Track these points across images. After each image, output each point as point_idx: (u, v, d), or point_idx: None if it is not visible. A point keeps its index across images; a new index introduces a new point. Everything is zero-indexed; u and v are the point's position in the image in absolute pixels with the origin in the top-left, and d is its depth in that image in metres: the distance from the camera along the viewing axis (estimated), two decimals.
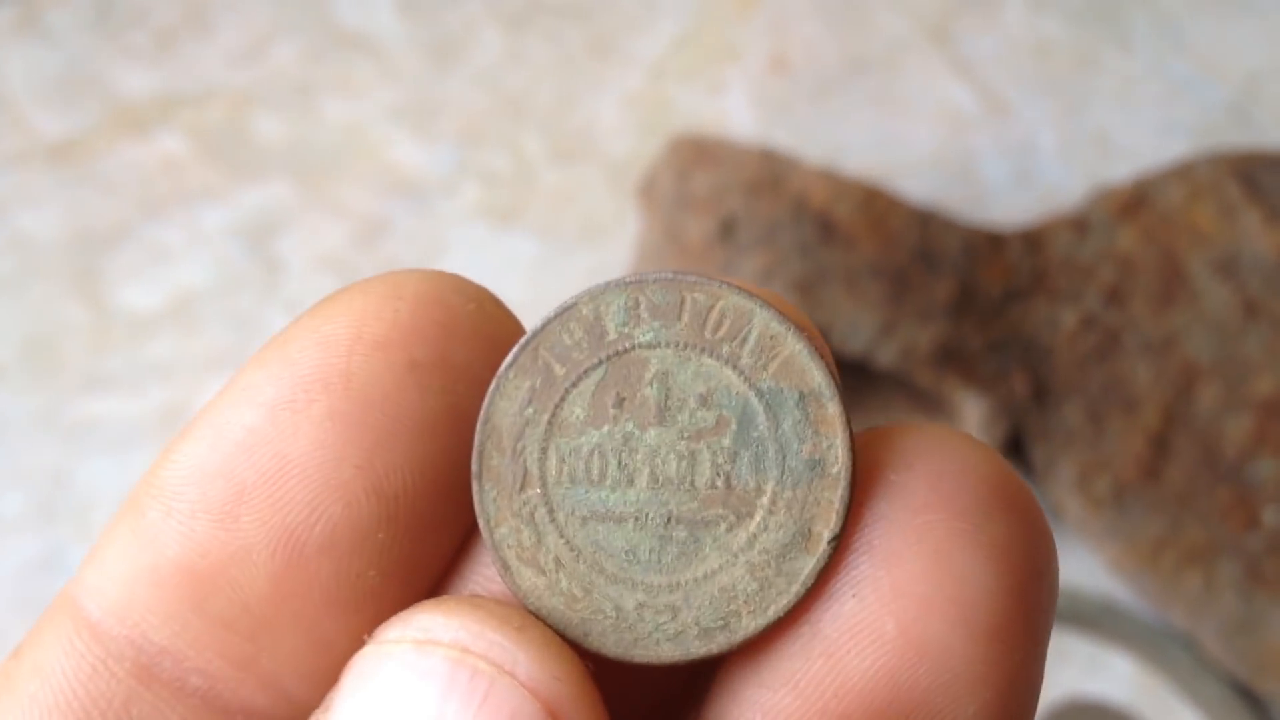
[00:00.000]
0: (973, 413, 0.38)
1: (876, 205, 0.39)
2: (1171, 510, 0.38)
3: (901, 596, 0.13)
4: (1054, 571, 0.14)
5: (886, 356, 0.38)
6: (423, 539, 0.14)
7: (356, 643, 0.14)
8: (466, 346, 0.14)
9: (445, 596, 0.14)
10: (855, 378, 0.41)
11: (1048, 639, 0.14)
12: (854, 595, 0.13)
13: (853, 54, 0.51)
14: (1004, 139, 0.49)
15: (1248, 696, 0.38)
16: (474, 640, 0.12)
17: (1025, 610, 0.13)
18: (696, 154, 0.40)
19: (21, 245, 0.46)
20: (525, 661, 0.12)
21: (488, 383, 0.14)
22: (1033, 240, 0.41)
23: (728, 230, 0.39)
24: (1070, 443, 0.39)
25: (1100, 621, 0.39)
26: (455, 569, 0.15)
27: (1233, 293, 0.40)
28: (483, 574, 0.15)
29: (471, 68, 0.51)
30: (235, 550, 0.14)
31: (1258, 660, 0.37)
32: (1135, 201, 0.42)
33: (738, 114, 0.50)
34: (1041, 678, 0.14)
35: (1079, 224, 0.41)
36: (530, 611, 0.14)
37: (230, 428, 0.14)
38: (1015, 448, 0.39)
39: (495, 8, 0.52)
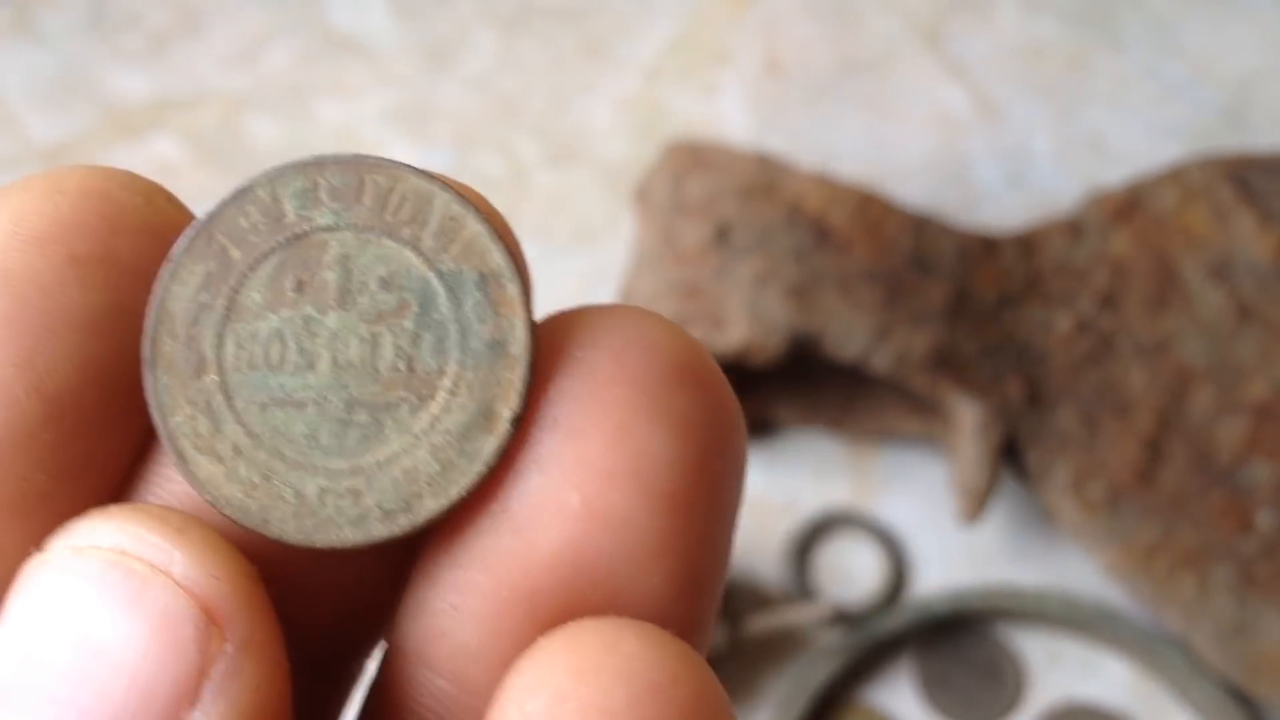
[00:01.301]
0: (967, 417, 0.38)
1: (871, 210, 0.39)
2: (1165, 514, 0.38)
3: (584, 470, 0.13)
4: (738, 445, 0.14)
5: (881, 361, 0.38)
6: (94, 439, 0.14)
7: (30, 551, 0.14)
8: (133, 241, 0.14)
9: (111, 505, 0.13)
10: (850, 382, 0.41)
11: (734, 512, 0.14)
12: (539, 471, 0.13)
13: (846, 57, 0.51)
14: (997, 142, 0.49)
15: (1242, 699, 0.38)
16: (131, 543, 0.12)
17: (706, 481, 0.13)
18: (691, 159, 0.40)
19: None
20: (182, 561, 0.12)
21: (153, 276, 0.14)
22: (1026, 244, 0.41)
23: (723, 235, 0.39)
24: (1064, 447, 0.39)
25: (1095, 625, 0.39)
26: (138, 472, 0.14)
27: (1226, 296, 0.40)
28: (164, 474, 0.14)
29: (465, 71, 0.51)
30: None
31: (1252, 663, 0.37)
32: (1128, 205, 0.42)
33: (731, 117, 0.50)
34: (728, 551, 0.14)
35: (1072, 228, 0.41)
36: (210, 503, 0.13)
37: None
38: (1010, 452, 0.39)
39: (489, 11, 0.52)
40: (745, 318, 0.37)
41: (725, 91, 0.50)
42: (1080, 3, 0.52)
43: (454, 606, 0.14)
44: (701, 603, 0.14)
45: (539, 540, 0.13)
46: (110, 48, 0.51)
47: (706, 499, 0.13)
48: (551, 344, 0.14)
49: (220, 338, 0.13)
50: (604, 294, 0.44)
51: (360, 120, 0.49)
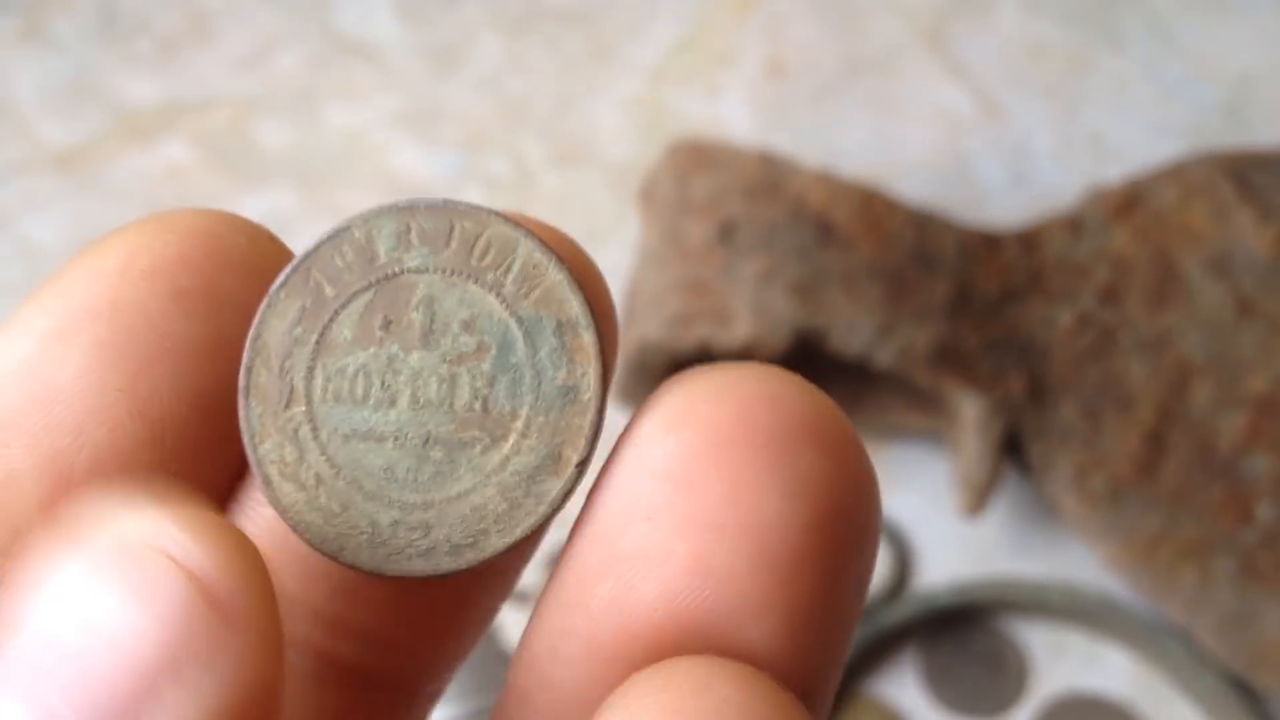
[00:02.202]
0: (970, 411, 0.39)
1: (874, 208, 0.40)
2: (1167, 506, 0.39)
3: (693, 523, 0.13)
4: (864, 509, 0.14)
5: (885, 356, 0.38)
6: (192, 463, 0.14)
7: None
8: (236, 276, 0.14)
9: (112, 478, 0.14)
10: (854, 378, 0.41)
11: (859, 574, 0.14)
12: (647, 519, 0.13)
13: (849, 58, 0.52)
14: (999, 141, 0.49)
15: (1243, 689, 0.38)
16: (129, 515, 0.12)
17: (823, 544, 0.13)
18: (696, 158, 0.41)
19: (28, 253, 0.47)
20: (176, 532, 0.12)
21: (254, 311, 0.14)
22: (1028, 241, 0.42)
23: (727, 233, 0.39)
24: (1067, 440, 0.39)
25: (1097, 617, 0.39)
26: (232, 496, 0.15)
27: (1226, 291, 0.41)
28: (254, 498, 0.15)
29: (472, 74, 0.51)
30: (3, 476, 0.14)
31: (1253, 653, 0.38)
32: (1129, 202, 0.42)
33: (735, 117, 0.50)
34: (853, 612, 0.14)
35: (1074, 224, 0.42)
36: (291, 528, 0.14)
37: (3, 358, 0.14)
38: (1013, 446, 0.39)
39: (495, 14, 0.52)
40: (750, 314, 0.38)
41: (729, 92, 0.51)
42: (1080, 4, 0.53)
43: (554, 650, 0.14)
44: (814, 661, 0.14)
45: (640, 587, 0.13)
46: (120, 52, 0.51)
47: (822, 561, 0.13)
48: (678, 397, 0.14)
49: (311, 370, 0.14)
50: (611, 293, 0.44)
51: (369, 123, 0.50)
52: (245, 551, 0.12)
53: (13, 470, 0.14)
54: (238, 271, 0.14)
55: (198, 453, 0.14)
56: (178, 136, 0.49)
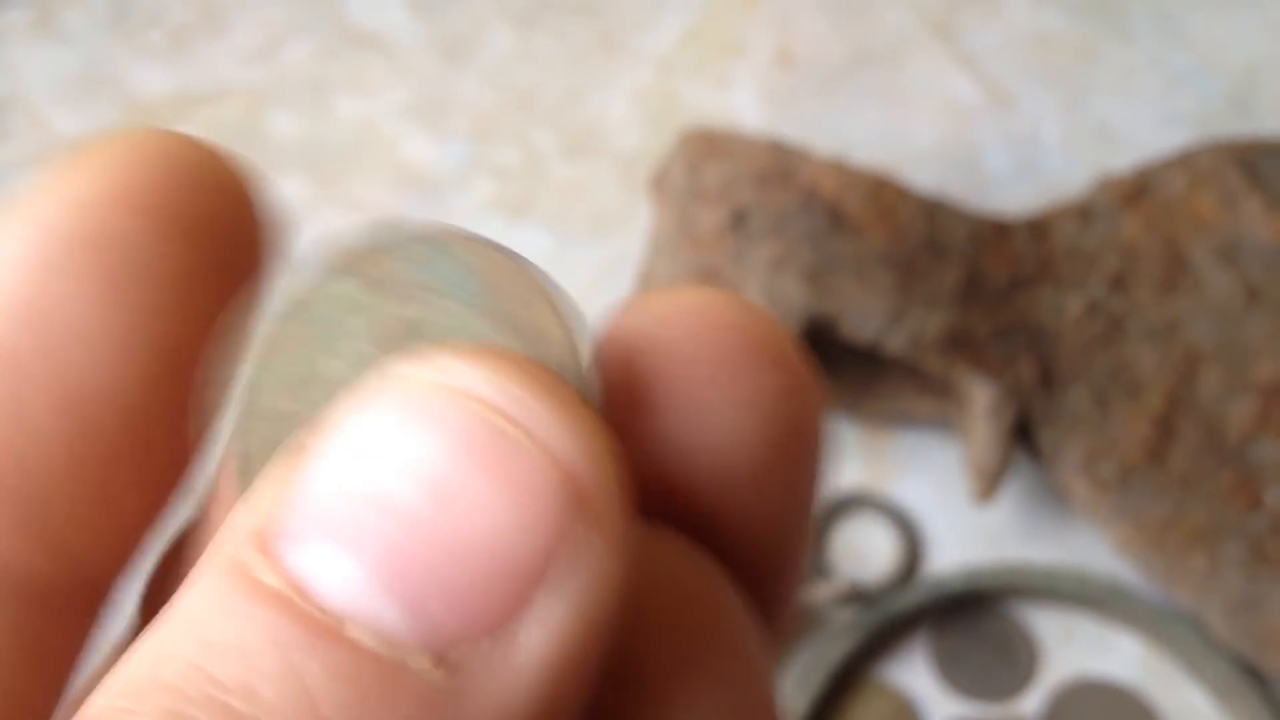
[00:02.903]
0: (981, 398, 0.39)
1: (885, 195, 0.40)
2: (1176, 492, 0.39)
3: (654, 441, 0.13)
4: (815, 425, 0.14)
5: (896, 343, 0.38)
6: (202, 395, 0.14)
7: (146, 502, 0.14)
8: (210, 200, 0.14)
9: (473, 345, 0.13)
10: (865, 365, 0.41)
11: (809, 492, 0.14)
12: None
13: (857, 48, 0.52)
14: (1007, 130, 0.50)
15: (1252, 674, 0.39)
16: (497, 394, 0.11)
17: (782, 461, 0.14)
18: (707, 146, 0.41)
19: None
20: (551, 425, 0.11)
21: (237, 234, 0.14)
22: (1038, 229, 0.42)
23: (739, 221, 0.39)
24: (1076, 426, 0.39)
25: (1107, 602, 0.40)
26: None
27: (1234, 279, 0.41)
28: None
29: (482, 64, 0.51)
30: (21, 425, 0.13)
31: (1262, 638, 0.38)
32: (1137, 190, 0.42)
33: (745, 108, 0.50)
34: (807, 523, 0.14)
35: (1083, 212, 0.42)
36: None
37: None
38: (1023, 432, 0.40)
39: (505, 5, 0.53)
40: (762, 301, 0.38)
41: (738, 83, 0.51)
42: None
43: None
44: (777, 569, 0.14)
45: None
46: (132, 44, 0.52)
47: (781, 478, 0.14)
48: (631, 324, 0.14)
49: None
50: (621, 282, 0.45)
51: (379, 114, 0.50)
52: (605, 440, 0.11)
53: (21, 408, 0.13)
54: (211, 195, 0.14)
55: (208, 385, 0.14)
56: (189, 127, 0.49)
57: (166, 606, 0.12)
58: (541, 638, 0.11)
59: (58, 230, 0.13)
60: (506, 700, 0.11)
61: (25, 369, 0.13)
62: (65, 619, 0.14)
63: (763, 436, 0.13)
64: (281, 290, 0.14)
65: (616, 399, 0.13)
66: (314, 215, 0.47)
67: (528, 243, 0.47)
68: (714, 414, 0.13)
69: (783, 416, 0.13)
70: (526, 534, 0.11)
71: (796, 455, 0.14)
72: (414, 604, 0.11)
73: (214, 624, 0.11)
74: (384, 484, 0.11)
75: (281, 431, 0.13)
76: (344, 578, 0.11)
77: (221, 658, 0.11)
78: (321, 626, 0.11)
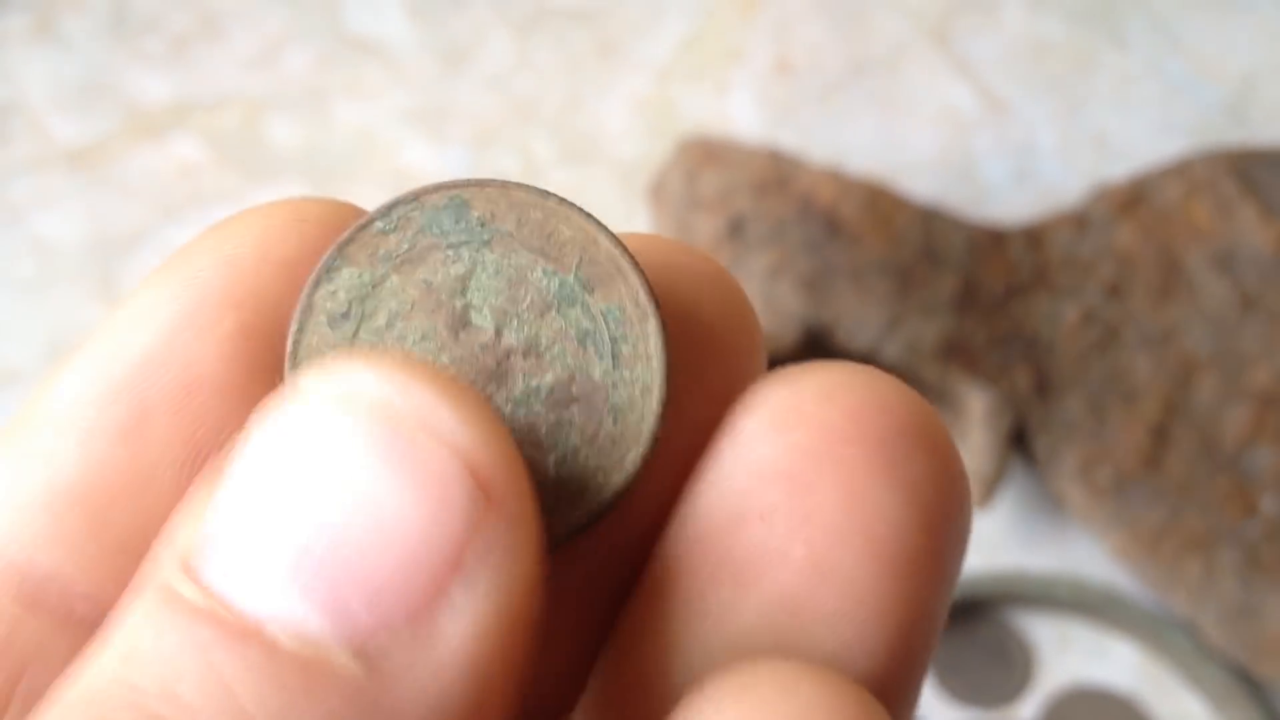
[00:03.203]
0: (977, 405, 0.39)
1: (881, 204, 0.40)
2: (1172, 499, 0.39)
3: (812, 524, 0.13)
4: (965, 512, 0.14)
5: (892, 351, 0.39)
6: None
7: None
8: None
9: (369, 349, 0.13)
10: None
11: (955, 578, 0.14)
12: (763, 520, 0.13)
13: (855, 56, 0.52)
14: (1004, 138, 0.50)
15: (1248, 681, 0.39)
16: (400, 396, 0.11)
17: (935, 547, 0.13)
18: (705, 155, 0.41)
19: (41, 249, 0.47)
20: (451, 421, 0.11)
21: None
22: (1034, 237, 0.42)
23: (736, 229, 0.40)
24: (1072, 434, 0.39)
25: (1103, 609, 0.40)
26: None
27: (1230, 287, 0.41)
28: None
29: (481, 71, 0.51)
30: (139, 471, 0.13)
31: (1256, 645, 0.38)
32: (1134, 199, 0.43)
33: (743, 116, 0.50)
34: (945, 617, 0.14)
35: (1079, 221, 0.42)
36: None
37: (129, 347, 0.14)
38: (1019, 439, 0.40)
39: (504, 13, 0.53)
40: (760, 309, 0.38)
41: (736, 90, 0.51)
42: (1085, 3, 0.53)
43: (662, 657, 0.13)
44: (914, 669, 0.14)
45: (758, 591, 0.13)
46: (131, 51, 0.52)
47: (932, 565, 0.13)
48: (783, 396, 0.13)
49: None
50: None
51: (378, 121, 0.50)
52: (507, 436, 0.12)
53: (149, 464, 0.13)
54: None
55: None
56: (189, 134, 0.50)
57: (95, 635, 0.12)
58: (460, 627, 0.11)
59: (207, 286, 0.14)
60: (430, 691, 0.11)
61: (151, 419, 0.13)
62: None
63: (917, 524, 0.13)
64: (320, 298, 0.14)
65: (775, 478, 0.13)
66: None
67: None
68: (871, 496, 0.13)
69: (938, 502, 0.13)
70: (437, 526, 0.11)
71: (947, 542, 0.13)
72: (330, 601, 0.11)
73: (135, 638, 0.11)
74: (294, 491, 0.11)
75: None
76: (260, 584, 0.11)
77: (142, 666, 0.11)
78: (240, 629, 0.11)
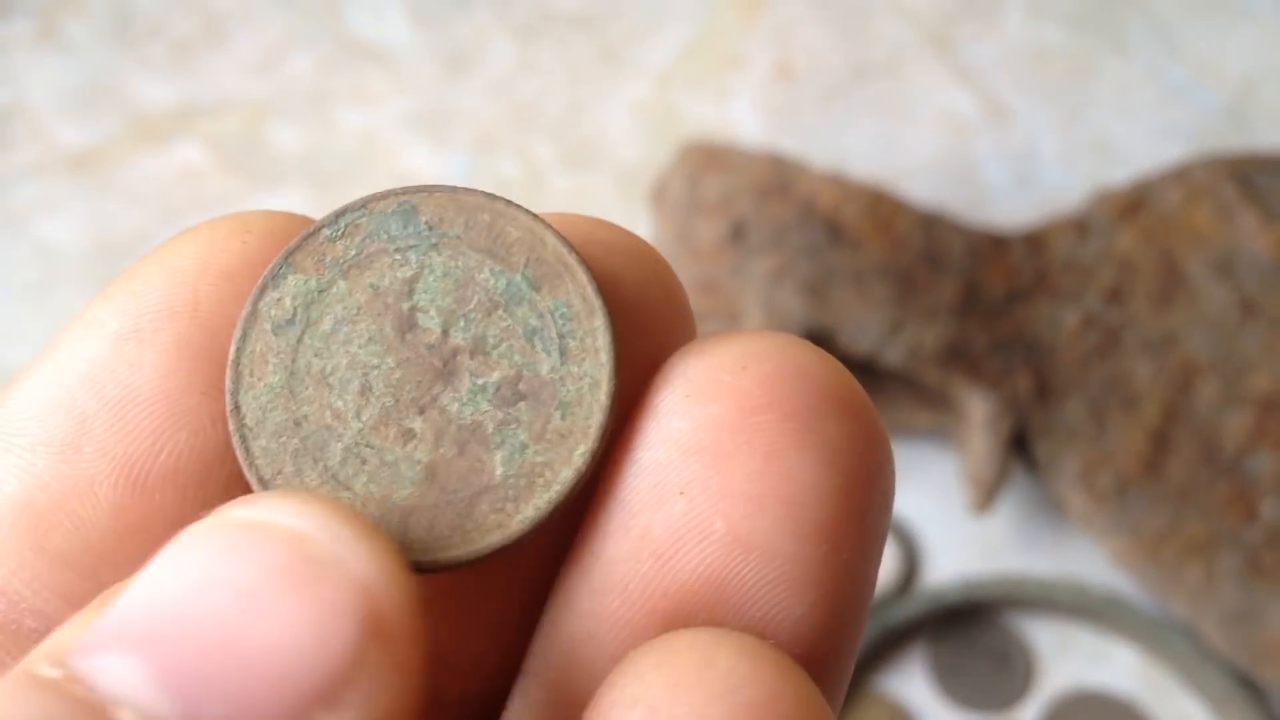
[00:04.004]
0: (978, 410, 0.39)
1: (883, 208, 0.40)
2: (1172, 504, 0.39)
3: (730, 496, 0.13)
4: (887, 475, 0.14)
5: (893, 355, 0.39)
6: None
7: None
8: None
9: (286, 488, 0.13)
10: (863, 376, 0.42)
11: (881, 542, 0.14)
12: (682, 494, 0.13)
13: (856, 61, 0.52)
14: (1005, 143, 0.50)
15: (1248, 685, 0.39)
16: (313, 529, 0.11)
17: (856, 511, 0.13)
18: (706, 159, 0.41)
19: (44, 254, 0.47)
20: (361, 557, 0.11)
21: None
22: (1034, 242, 0.42)
23: (738, 233, 0.40)
24: (1073, 439, 0.39)
25: (1104, 613, 0.40)
26: None
27: (1230, 292, 0.41)
28: None
29: (483, 77, 0.52)
30: (77, 483, 0.13)
31: (1257, 649, 0.38)
32: (1134, 204, 0.43)
33: (744, 120, 0.51)
34: (874, 581, 0.14)
35: (1079, 226, 0.42)
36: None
37: (73, 360, 0.14)
38: (1020, 444, 0.40)
39: (506, 18, 0.53)
40: (761, 313, 0.38)
41: (737, 96, 0.51)
42: (1085, 8, 0.53)
43: (588, 634, 0.13)
44: (844, 637, 0.13)
45: (680, 566, 0.13)
46: (135, 56, 0.52)
47: (855, 529, 0.13)
48: (698, 368, 0.13)
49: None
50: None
51: (381, 126, 0.50)
52: (410, 581, 0.12)
53: (87, 477, 0.13)
54: None
55: None
56: (191, 139, 0.50)
57: None
58: None
59: (148, 297, 0.14)
60: None
61: (89, 430, 0.13)
62: None
63: (836, 489, 0.13)
64: (265, 305, 0.14)
65: (694, 451, 0.13)
66: None
67: None
68: (788, 464, 0.13)
69: (856, 466, 0.13)
70: (322, 652, 0.11)
71: (868, 505, 0.13)
72: (188, 700, 0.11)
73: None
74: (189, 598, 0.11)
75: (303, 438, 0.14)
76: (124, 672, 0.11)
77: None
78: (89, 706, 0.11)
